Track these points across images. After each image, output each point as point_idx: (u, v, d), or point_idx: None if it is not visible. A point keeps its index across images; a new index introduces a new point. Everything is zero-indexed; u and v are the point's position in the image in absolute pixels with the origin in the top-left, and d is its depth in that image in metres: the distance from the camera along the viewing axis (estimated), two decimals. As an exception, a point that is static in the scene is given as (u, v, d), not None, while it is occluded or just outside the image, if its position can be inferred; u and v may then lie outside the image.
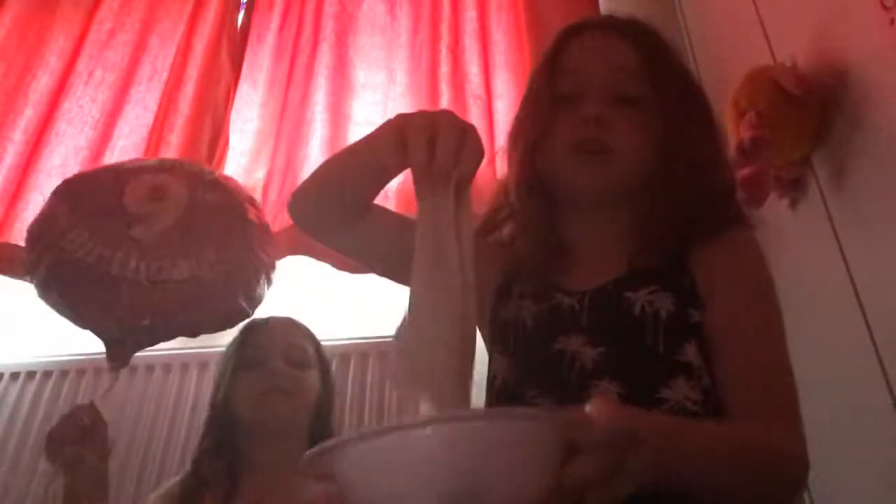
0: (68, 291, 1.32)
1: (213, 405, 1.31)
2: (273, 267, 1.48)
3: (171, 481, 1.29)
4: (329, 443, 0.50)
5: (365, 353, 1.70)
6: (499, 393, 0.79)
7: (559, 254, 0.84)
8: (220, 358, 1.36)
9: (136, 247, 1.35)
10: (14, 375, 1.75)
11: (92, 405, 1.27)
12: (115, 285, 1.30)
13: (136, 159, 1.72)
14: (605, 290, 0.78)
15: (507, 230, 0.90)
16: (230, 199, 1.48)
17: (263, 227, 1.50)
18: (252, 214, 1.48)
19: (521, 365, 0.80)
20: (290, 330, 1.36)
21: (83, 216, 1.38)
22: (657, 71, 0.81)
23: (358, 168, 0.77)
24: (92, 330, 1.33)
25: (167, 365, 1.75)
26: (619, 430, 0.49)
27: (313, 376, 1.32)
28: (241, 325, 1.38)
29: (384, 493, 0.49)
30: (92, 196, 1.43)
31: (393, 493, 0.49)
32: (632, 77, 0.81)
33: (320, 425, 1.30)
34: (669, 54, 0.86)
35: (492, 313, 0.86)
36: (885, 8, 0.99)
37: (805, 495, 1.31)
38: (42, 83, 2.05)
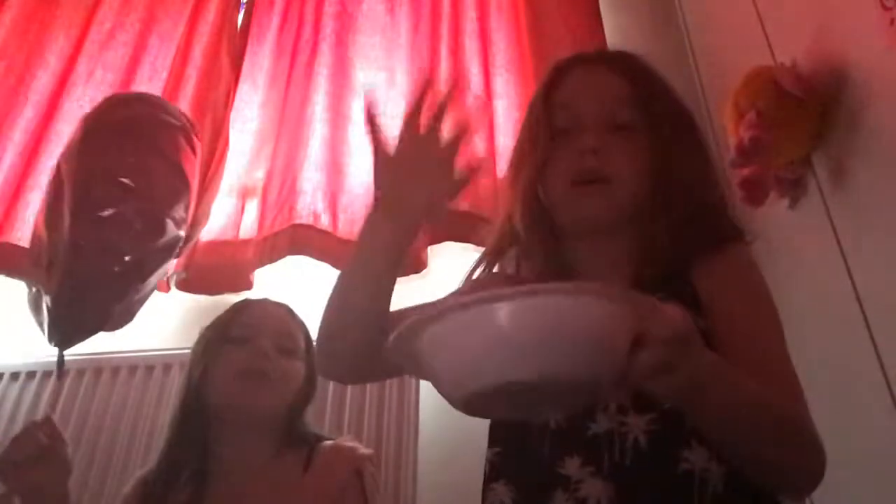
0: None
1: (185, 388, 1.21)
2: (190, 177, 1.46)
3: (137, 476, 1.21)
4: (411, 321, 0.53)
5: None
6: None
7: (563, 276, 0.85)
8: (201, 336, 1.26)
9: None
10: (14, 375, 1.75)
11: (49, 420, 1.18)
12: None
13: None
14: None
15: (511, 258, 0.92)
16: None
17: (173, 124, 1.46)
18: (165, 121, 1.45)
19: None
20: (283, 315, 1.26)
21: None
22: (647, 97, 0.85)
23: (360, 292, 0.81)
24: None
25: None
26: (684, 332, 0.54)
27: (299, 367, 1.22)
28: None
29: (460, 368, 0.52)
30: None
31: (473, 365, 0.51)
32: (624, 105, 0.84)
33: (292, 423, 1.20)
34: (658, 82, 0.89)
35: None
36: (885, 8, 0.99)
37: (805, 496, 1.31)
38: (42, 83, 2.05)
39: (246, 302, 1.30)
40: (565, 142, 0.84)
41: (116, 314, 1.38)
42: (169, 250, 1.43)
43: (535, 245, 0.87)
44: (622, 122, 0.83)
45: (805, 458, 0.69)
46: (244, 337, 1.19)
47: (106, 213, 1.31)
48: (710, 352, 0.62)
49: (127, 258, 1.34)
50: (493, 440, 0.81)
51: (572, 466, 0.72)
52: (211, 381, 1.18)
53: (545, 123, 0.87)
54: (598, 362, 0.52)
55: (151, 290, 1.46)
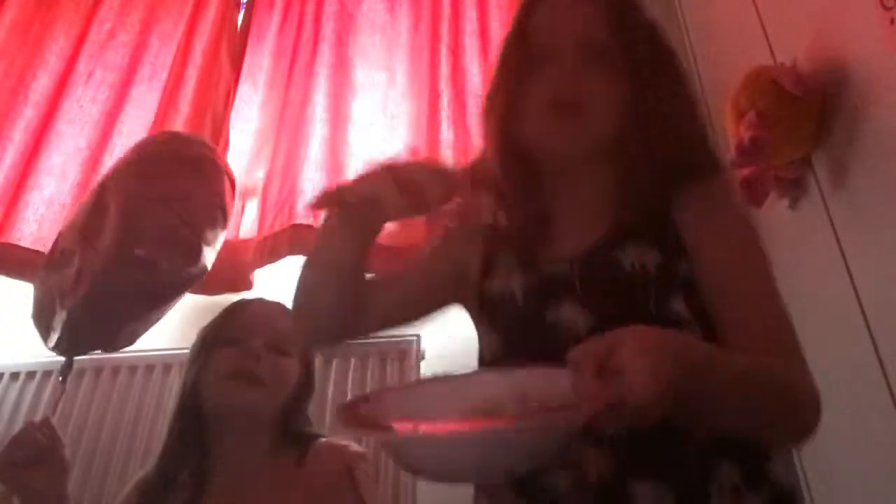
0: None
1: (182, 390, 1.22)
2: (228, 200, 1.52)
3: (137, 476, 1.22)
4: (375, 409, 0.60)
5: (365, 353, 1.70)
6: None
7: (543, 221, 0.84)
8: (197, 338, 1.26)
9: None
10: (14, 375, 1.75)
11: (47, 421, 1.19)
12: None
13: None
14: (593, 253, 0.79)
15: (486, 207, 0.90)
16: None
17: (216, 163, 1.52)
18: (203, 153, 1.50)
19: (510, 341, 0.80)
20: (277, 314, 1.25)
21: None
22: (623, 23, 0.81)
23: (324, 273, 0.82)
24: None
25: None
26: (647, 403, 0.53)
27: (293, 366, 1.21)
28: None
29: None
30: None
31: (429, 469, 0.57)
32: (600, 33, 0.80)
33: (290, 421, 1.20)
34: (634, 8, 0.85)
35: (478, 290, 0.85)
36: (885, 8, 0.99)
37: (805, 495, 1.31)
38: (42, 83, 2.05)
39: (239, 303, 1.30)
40: (540, 71, 0.80)
41: (125, 334, 1.40)
42: (195, 279, 1.47)
43: (511, 182, 0.85)
44: (598, 50, 0.79)
45: (803, 415, 0.68)
46: (235, 338, 1.19)
47: (151, 240, 1.37)
48: (695, 351, 0.61)
49: (158, 283, 1.39)
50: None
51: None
52: (204, 384, 1.18)
53: (518, 54, 0.84)
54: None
55: (161, 317, 1.47)
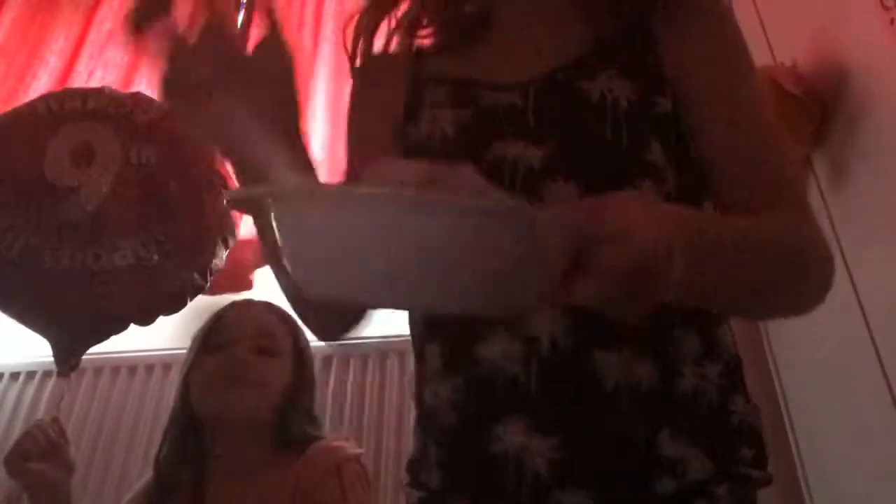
0: None
1: (176, 395, 1.21)
2: (231, 227, 1.31)
3: (140, 484, 1.22)
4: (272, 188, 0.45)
5: (365, 353, 1.71)
6: None
7: (479, 29, 0.69)
8: (190, 343, 1.25)
9: (68, 230, 1.16)
10: (14, 375, 1.75)
11: (56, 420, 1.19)
12: (50, 282, 1.13)
13: (52, 97, 1.39)
14: (553, 80, 0.64)
15: (406, 26, 0.73)
16: (172, 154, 1.25)
17: (215, 181, 1.29)
18: (197, 169, 1.26)
19: None
20: (263, 314, 1.22)
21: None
22: None
23: None
24: (36, 332, 1.21)
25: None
26: (655, 253, 0.42)
27: (282, 367, 1.19)
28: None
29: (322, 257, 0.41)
30: (6, 168, 1.22)
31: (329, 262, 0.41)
32: None
33: (288, 423, 1.17)
34: None
35: (402, 140, 0.68)
36: (885, 8, 0.99)
37: (805, 494, 1.31)
38: (42, 83, 2.05)
39: (226, 307, 1.28)
40: None
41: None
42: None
43: None
44: None
45: (812, 278, 0.59)
46: (221, 343, 1.18)
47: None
48: (684, 218, 0.50)
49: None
50: (430, 345, 0.65)
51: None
52: (192, 390, 1.18)
53: None
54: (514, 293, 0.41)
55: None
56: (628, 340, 0.57)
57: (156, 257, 1.18)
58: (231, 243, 1.35)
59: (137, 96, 1.40)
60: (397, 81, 0.71)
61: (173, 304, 1.24)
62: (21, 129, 1.30)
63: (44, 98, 1.40)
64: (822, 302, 0.60)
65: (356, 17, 0.72)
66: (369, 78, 0.73)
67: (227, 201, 0.42)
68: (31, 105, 1.37)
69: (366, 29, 0.71)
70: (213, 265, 1.25)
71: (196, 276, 1.22)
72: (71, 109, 1.30)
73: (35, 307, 1.18)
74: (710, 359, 0.61)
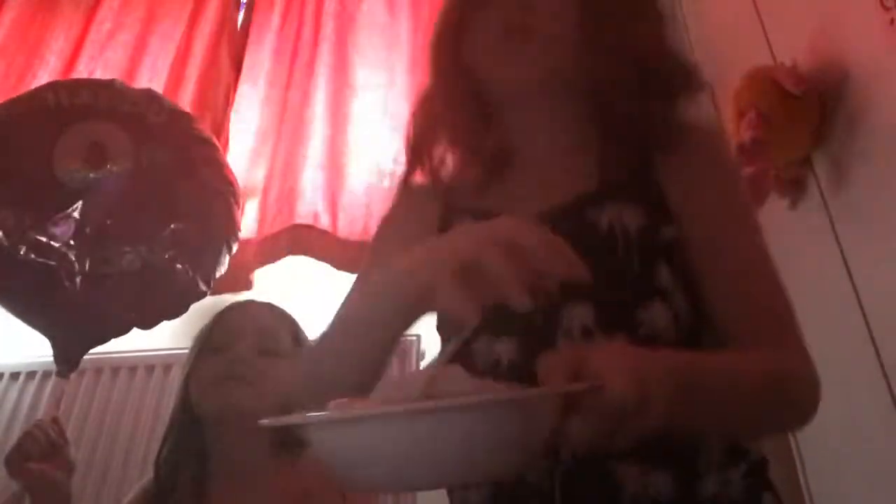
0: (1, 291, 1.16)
1: (178, 396, 1.21)
2: (236, 232, 1.31)
3: (140, 485, 1.22)
4: (295, 418, 0.49)
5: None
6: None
7: (501, 164, 0.75)
8: (191, 344, 1.25)
9: (77, 231, 1.16)
10: (14, 375, 1.75)
11: (56, 420, 1.19)
12: (55, 282, 1.13)
13: (62, 88, 1.38)
14: (565, 210, 0.69)
15: (437, 162, 0.79)
16: (182, 157, 1.26)
17: (219, 189, 1.30)
18: (207, 173, 1.27)
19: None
20: (265, 314, 1.23)
21: (6, 190, 1.18)
22: None
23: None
24: (38, 331, 1.22)
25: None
26: (627, 398, 0.46)
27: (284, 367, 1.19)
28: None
29: (362, 478, 0.48)
30: (15, 161, 1.21)
31: (371, 481, 0.49)
32: None
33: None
34: None
35: None
36: (885, 8, 0.99)
37: (805, 494, 1.31)
38: (42, 83, 2.05)
39: (228, 307, 1.28)
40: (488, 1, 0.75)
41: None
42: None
43: (461, 118, 0.77)
44: None
45: (800, 406, 0.65)
46: (223, 344, 1.18)
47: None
48: (676, 361, 0.55)
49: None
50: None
51: None
52: (194, 390, 1.18)
53: None
54: (508, 460, 0.48)
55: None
56: (649, 451, 0.59)
57: (162, 262, 1.18)
58: (234, 249, 1.34)
59: (150, 94, 1.39)
60: (432, 211, 0.78)
61: (176, 309, 1.24)
62: (30, 122, 1.28)
63: (52, 87, 1.38)
64: (808, 423, 0.65)
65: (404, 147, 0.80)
66: (409, 202, 0.81)
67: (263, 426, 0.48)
68: (40, 95, 1.34)
69: (408, 171, 0.80)
70: (216, 271, 1.26)
71: (200, 281, 1.22)
72: (81, 105, 1.28)
73: (39, 306, 1.18)
74: (733, 462, 0.64)
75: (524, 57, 0.73)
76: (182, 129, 1.32)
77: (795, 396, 0.64)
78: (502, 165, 0.76)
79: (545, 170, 0.75)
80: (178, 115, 1.36)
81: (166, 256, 1.20)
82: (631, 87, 0.71)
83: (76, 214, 1.18)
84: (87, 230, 1.18)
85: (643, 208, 0.69)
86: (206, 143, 1.37)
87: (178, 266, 1.21)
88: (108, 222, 1.19)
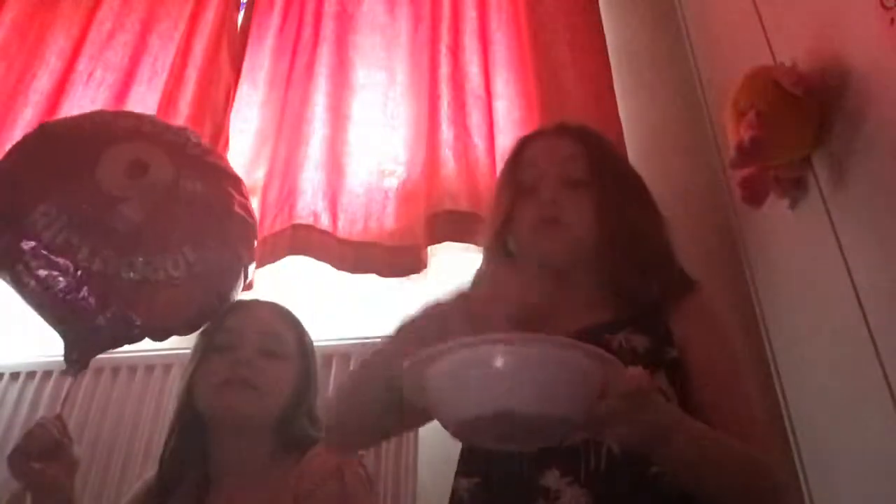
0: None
1: (180, 395, 1.22)
2: (251, 261, 1.38)
3: (140, 483, 1.22)
4: (421, 355, 0.65)
5: (365, 353, 1.70)
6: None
7: (549, 303, 0.92)
8: (195, 343, 1.26)
9: (108, 235, 1.20)
10: (14, 375, 1.75)
11: (59, 418, 1.19)
12: (79, 279, 1.17)
13: (106, 113, 1.53)
14: (584, 334, 0.83)
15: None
16: (216, 190, 1.34)
17: (246, 219, 1.38)
18: (237, 205, 1.36)
19: None
20: (269, 315, 1.24)
21: (53, 187, 1.22)
22: (597, 158, 1.02)
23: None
24: (53, 325, 1.23)
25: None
26: (641, 389, 0.66)
27: (288, 369, 1.20)
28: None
29: (462, 397, 0.63)
30: (63, 162, 1.26)
31: (459, 405, 0.64)
32: (577, 164, 1.01)
33: (291, 425, 1.18)
34: (608, 146, 1.09)
35: None
36: (886, 8, 0.99)
37: (805, 494, 1.31)
38: (42, 83, 2.05)
39: (232, 306, 1.29)
40: (529, 195, 1.00)
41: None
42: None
43: (504, 275, 0.95)
44: (576, 179, 0.99)
45: (756, 488, 0.79)
46: (227, 345, 1.19)
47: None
48: (676, 408, 0.76)
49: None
50: (469, 471, 0.89)
51: (551, 478, 0.81)
52: (197, 391, 1.18)
53: (511, 180, 1.04)
54: (574, 404, 0.64)
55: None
56: None
57: (185, 278, 1.24)
58: (251, 277, 1.42)
59: (188, 130, 1.48)
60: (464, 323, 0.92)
61: (190, 325, 1.29)
62: (75, 134, 1.35)
63: (88, 116, 1.47)
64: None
65: None
66: (442, 314, 0.93)
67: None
68: (84, 117, 1.45)
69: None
70: (232, 294, 1.32)
71: (215, 301, 1.28)
72: (125, 128, 1.37)
73: (58, 301, 1.20)
74: None
75: (553, 238, 0.98)
76: (215, 163, 1.42)
77: (754, 477, 0.79)
78: (550, 302, 0.95)
79: (571, 310, 0.95)
80: (210, 150, 1.46)
81: (188, 273, 1.25)
82: (633, 261, 0.94)
83: (111, 220, 1.23)
84: (117, 236, 1.23)
85: (649, 335, 0.89)
86: (236, 179, 1.46)
87: (200, 284, 1.26)
88: (140, 231, 1.24)
